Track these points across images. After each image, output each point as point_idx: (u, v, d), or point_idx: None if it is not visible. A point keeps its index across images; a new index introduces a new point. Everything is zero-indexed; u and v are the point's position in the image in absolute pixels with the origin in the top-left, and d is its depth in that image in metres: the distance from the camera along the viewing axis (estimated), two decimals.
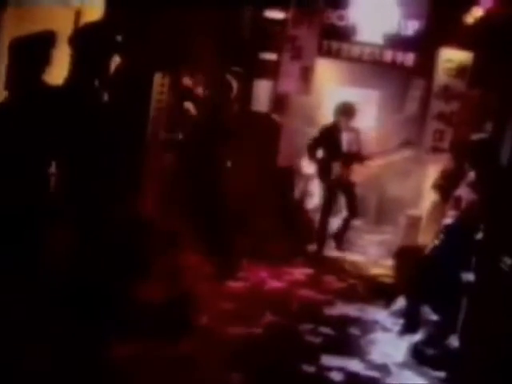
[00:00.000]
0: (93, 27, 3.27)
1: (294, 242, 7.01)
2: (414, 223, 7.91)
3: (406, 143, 7.24)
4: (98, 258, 3.53)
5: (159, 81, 4.71)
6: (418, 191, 8.55)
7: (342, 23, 7.48)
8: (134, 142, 4.20)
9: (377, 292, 6.17)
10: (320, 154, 7.39)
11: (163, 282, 4.23)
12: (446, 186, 6.89)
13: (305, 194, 8.78)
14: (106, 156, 3.29)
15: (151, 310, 4.03)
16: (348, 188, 7.48)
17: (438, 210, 6.96)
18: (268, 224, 6.60)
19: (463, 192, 4.80)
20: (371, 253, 8.28)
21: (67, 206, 3.35)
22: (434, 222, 7.01)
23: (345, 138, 7.32)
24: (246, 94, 6.83)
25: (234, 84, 5.92)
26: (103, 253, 3.58)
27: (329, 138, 7.24)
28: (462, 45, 7.40)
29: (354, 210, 7.55)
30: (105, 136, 3.20)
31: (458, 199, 4.79)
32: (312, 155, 7.41)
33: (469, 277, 4.68)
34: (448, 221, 4.91)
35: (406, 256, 6.15)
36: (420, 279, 5.14)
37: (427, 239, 6.99)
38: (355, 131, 7.43)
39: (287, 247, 6.81)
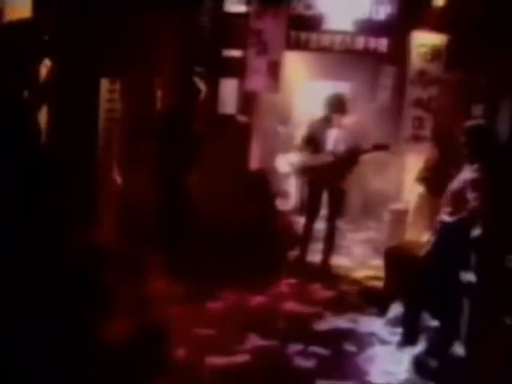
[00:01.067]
0: (16, 26, 2.76)
1: (274, 251, 6.48)
2: (399, 218, 7.55)
3: (384, 147, 6.71)
4: (50, 294, 3.04)
5: (108, 87, 4.15)
6: (398, 183, 8.23)
7: (309, 12, 7.00)
8: (83, 160, 3.68)
9: (368, 298, 5.71)
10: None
11: (129, 315, 3.71)
12: (431, 177, 6.51)
13: (280, 194, 8.33)
14: (48, 179, 2.77)
15: (118, 349, 3.51)
16: (334, 190, 6.71)
17: (426, 203, 6.56)
18: (245, 234, 6.08)
19: (460, 186, 4.35)
20: (357, 253, 7.87)
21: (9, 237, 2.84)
22: (421, 216, 6.61)
23: (333, 136, 6.53)
24: (212, 95, 6.31)
25: (202, 86, 5.37)
26: (56, 288, 3.09)
27: (317, 134, 6.49)
28: (434, 28, 7.00)
29: (335, 212, 6.84)
30: (41, 156, 2.67)
31: (456, 194, 4.34)
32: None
33: (469, 277, 4.28)
34: (444, 217, 4.46)
35: (396, 255, 5.68)
36: (416, 282, 4.71)
37: (415, 235, 6.62)
38: (347, 129, 6.59)
39: (267, 257, 6.29)
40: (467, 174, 4.32)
